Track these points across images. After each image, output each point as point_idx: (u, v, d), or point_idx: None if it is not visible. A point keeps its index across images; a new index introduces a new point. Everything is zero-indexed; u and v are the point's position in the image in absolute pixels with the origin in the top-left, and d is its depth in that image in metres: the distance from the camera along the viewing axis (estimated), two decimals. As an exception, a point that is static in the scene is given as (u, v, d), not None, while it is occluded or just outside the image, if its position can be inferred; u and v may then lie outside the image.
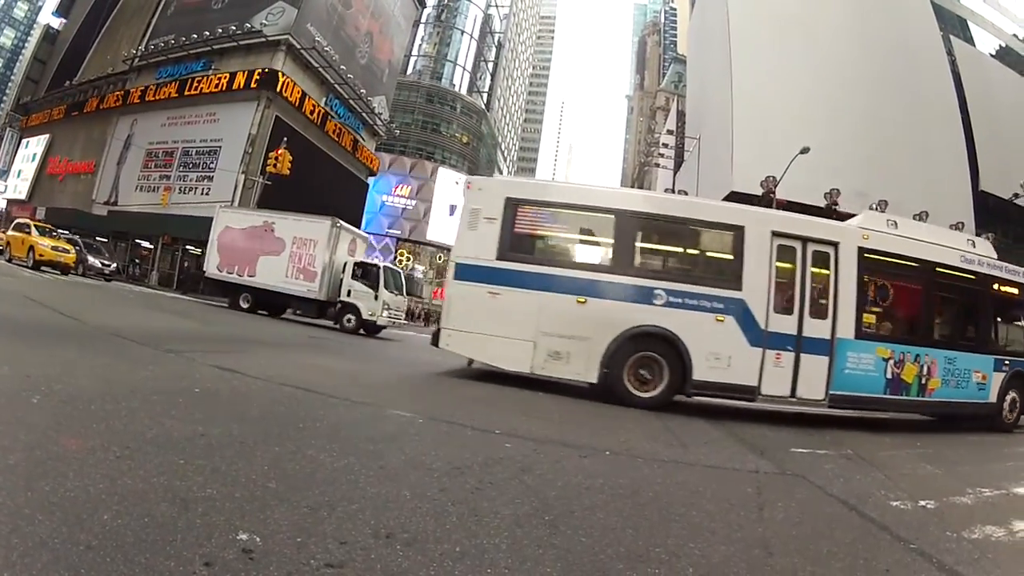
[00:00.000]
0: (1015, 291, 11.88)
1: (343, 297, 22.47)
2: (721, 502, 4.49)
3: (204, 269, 25.40)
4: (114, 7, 53.57)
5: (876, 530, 4.19)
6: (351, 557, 2.55)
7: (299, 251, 22.74)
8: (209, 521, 2.68)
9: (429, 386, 9.82)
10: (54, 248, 25.60)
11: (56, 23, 63.04)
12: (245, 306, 23.55)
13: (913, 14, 39.29)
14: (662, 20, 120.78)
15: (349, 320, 22.25)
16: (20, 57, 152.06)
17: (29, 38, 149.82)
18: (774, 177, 28.54)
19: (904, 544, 3.90)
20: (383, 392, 8.16)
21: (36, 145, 55.82)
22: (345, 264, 22.93)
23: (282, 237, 23.18)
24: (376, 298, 22.20)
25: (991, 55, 45.18)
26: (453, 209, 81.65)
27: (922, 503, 5.14)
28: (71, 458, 3.24)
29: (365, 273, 22.71)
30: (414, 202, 78.85)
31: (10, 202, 57.52)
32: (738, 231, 10.12)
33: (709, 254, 10.76)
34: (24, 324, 8.57)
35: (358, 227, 52.16)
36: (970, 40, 43.45)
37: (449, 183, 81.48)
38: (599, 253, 10.64)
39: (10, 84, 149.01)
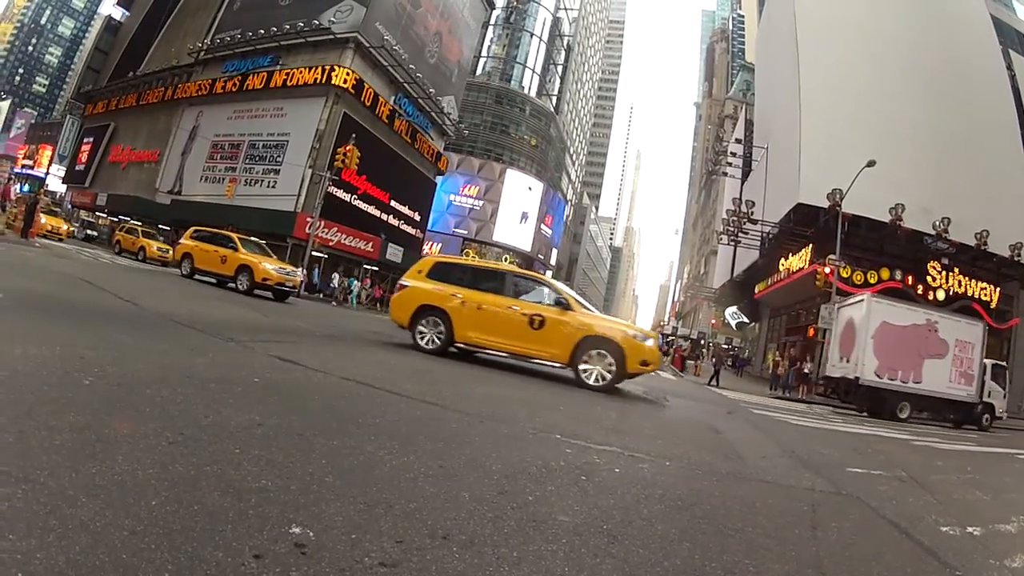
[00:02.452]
0: None
1: (985, 398, 23.15)
2: (776, 519, 4.49)
3: (858, 375, 22.40)
4: (178, 1, 55.01)
5: (924, 555, 4.24)
6: (406, 557, 2.50)
7: (960, 354, 22.64)
8: (262, 513, 2.64)
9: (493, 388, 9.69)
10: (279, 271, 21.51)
11: (118, 15, 64.45)
12: (903, 415, 21.70)
13: (973, 28, 38.30)
14: (730, 27, 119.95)
15: (987, 419, 22.97)
16: (80, 47, 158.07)
17: (89, 28, 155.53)
18: (840, 190, 28.02)
19: (951, 571, 3.95)
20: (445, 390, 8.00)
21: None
22: (985, 365, 23.52)
23: (946, 339, 22.58)
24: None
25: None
26: (525, 216, 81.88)
27: (969, 529, 5.24)
28: (121, 441, 3.20)
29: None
30: (481, 203, 79.29)
31: (70, 187, 59.54)
32: None
33: None
34: (80, 306, 8.69)
35: (425, 225, 53.01)
36: (1029, 55, 41.80)
37: (519, 186, 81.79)
38: None
39: (71, 73, 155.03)
